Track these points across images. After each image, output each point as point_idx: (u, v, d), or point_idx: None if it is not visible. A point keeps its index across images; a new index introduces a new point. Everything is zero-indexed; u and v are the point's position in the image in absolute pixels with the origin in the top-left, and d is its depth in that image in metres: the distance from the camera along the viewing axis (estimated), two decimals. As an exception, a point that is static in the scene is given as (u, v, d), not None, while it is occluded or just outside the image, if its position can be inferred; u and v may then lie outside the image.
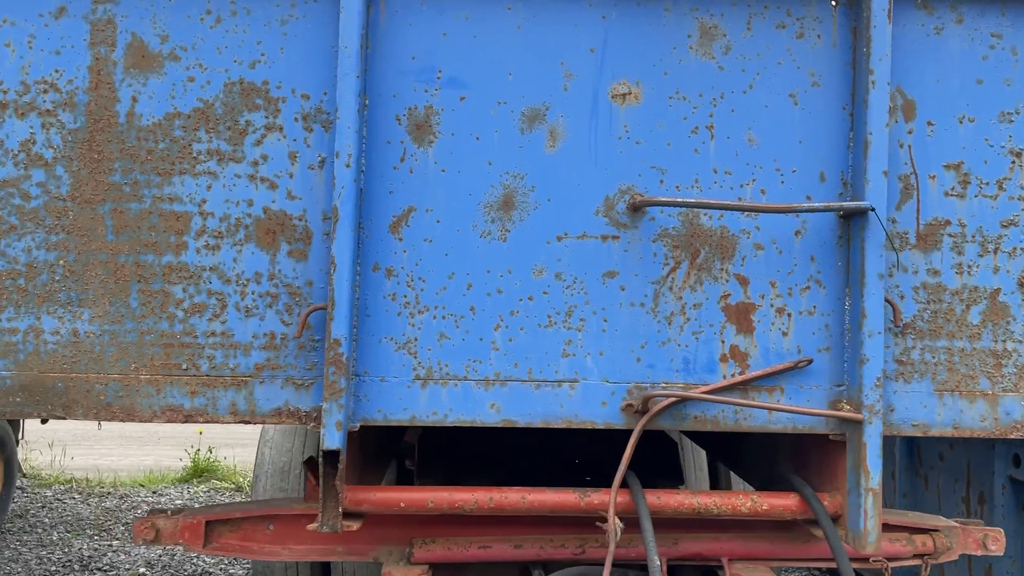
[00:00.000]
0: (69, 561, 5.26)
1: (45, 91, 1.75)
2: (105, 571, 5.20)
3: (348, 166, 1.72)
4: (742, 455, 2.69)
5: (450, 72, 1.82)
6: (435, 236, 1.82)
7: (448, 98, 1.82)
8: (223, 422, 1.79)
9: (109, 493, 7.04)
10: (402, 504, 1.87)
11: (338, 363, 1.71)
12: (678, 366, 1.84)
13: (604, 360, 1.83)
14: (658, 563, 1.72)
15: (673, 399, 1.77)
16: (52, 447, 7.79)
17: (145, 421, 1.78)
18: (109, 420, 1.78)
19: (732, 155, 1.84)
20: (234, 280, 1.79)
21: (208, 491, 7.41)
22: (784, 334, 1.85)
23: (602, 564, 1.96)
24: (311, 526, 1.81)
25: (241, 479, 7.58)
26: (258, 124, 1.79)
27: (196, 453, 7.92)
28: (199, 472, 7.81)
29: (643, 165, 1.83)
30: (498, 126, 1.82)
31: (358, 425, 1.79)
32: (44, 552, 5.38)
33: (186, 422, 1.79)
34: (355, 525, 1.82)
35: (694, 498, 1.89)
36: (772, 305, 1.85)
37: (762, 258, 1.85)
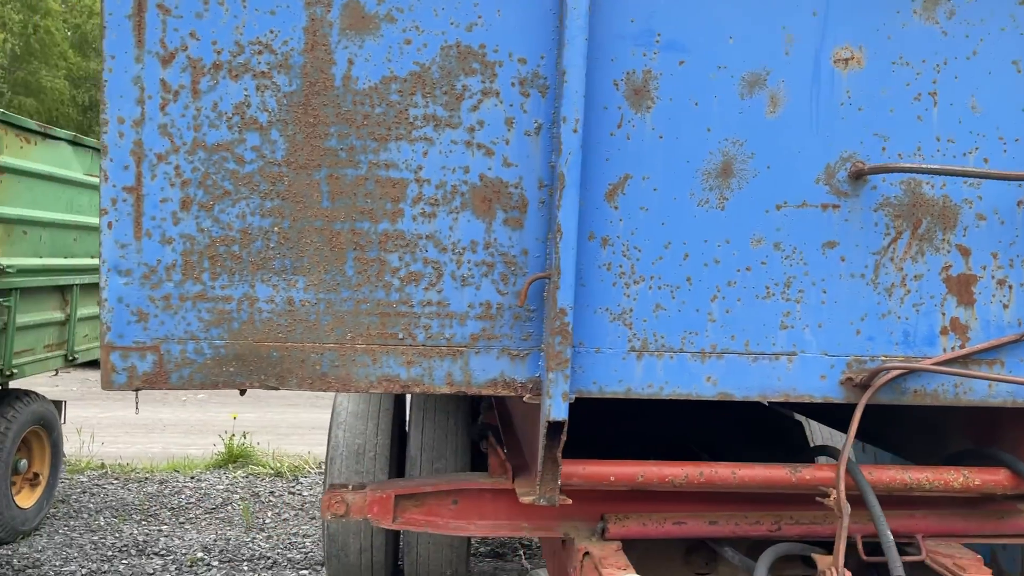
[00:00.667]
0: (124, 546, 5.23)
1: (260, 52, 1.70)
2: (163, 555, 5.18)
3: (575, 131, 1.67)
4: (888, 433, 2.66)
5: (669, 35, 1.76)
6: (651, 205, 1.77)
7: (666, 62, 1.76)
8: (438, 392, 1.75)
9: (146, 479, 7.01)
10: (612, 478, 1.83)
11: (564, 333, 1.67)
12: (898, 339, 1.80)
13: (823, 333, 1.79)
14: (891, 538, 1.69)
15: (903, 370, 1.74)
16: (80, 433, 7.75)
17: (361, 391, 1.74)
18: (324, 390, 1.74)
19: (955, 123, 1.79)
20: (450, 249, 1.75)
21: (247, 476, 7.34)
22: (1005, 306, 1.81)
23: (798, 541, 1.93)
24: (527, 499, 1.78)
25: (278, 463, 7.50)
26: (474, 89, 1.74)
27: (230, 439, 7.82)
28: (234, 458, 7.73)
29: (865, 132, 1.78)
30: (717, 91, 1.77)
31: (573, 397, 1.75)
32: (96, 537, 5.35)
33: (403, 392, 1.75)
34: (569, 500, 1.79)
35: (905, 473, 1.85)
36: (993, 277, 1.81)
37: (984, 228, 1.80)
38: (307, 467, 7.39)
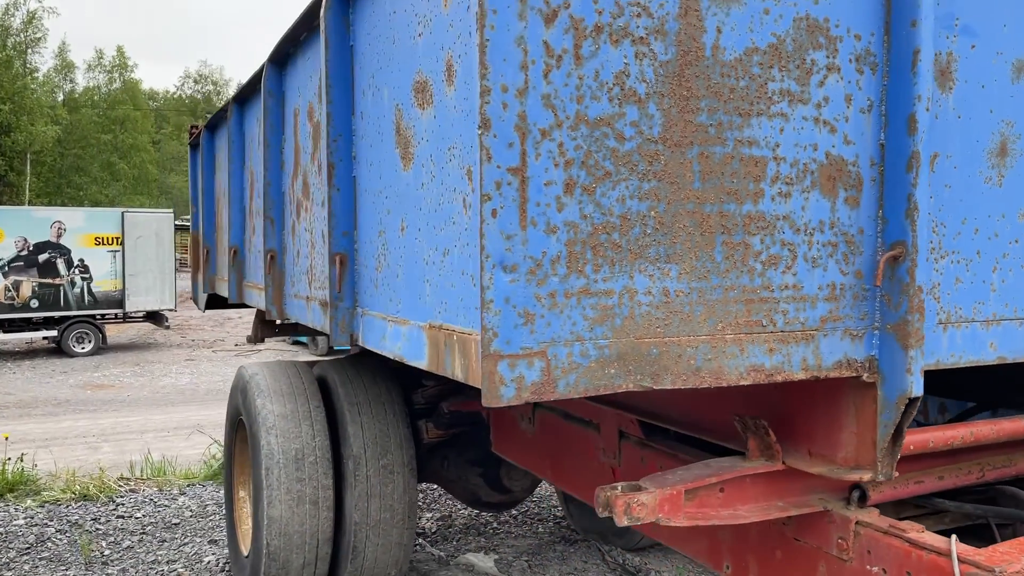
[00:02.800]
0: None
1: (638, 15, 1.51)
2: None
3: (927, 110, 1.70)
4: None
5: (965, 20, 1.84)
6: (953, 182, 1.85)
7: (963, 46, 1.85)
8: (794, 378, 1.70)
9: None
10: (932, 443, 1.92)
11: (921, 310, 1.71)
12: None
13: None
14: None
15: None
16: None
17: (731, 383, 1.64)
18: (696, 385, 1.61)
19: None
20: (802, 229, 1.70)
21: (44, 505, 6.21)
22: None
23: None
24: (866, 477, 1.80)
25: (77, 486, 6.37)
26: (820, 64, 1.69)
27: (3, 465, 6.43)
28: (10, 486, 6.40)
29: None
30: (996, 75, 1.89)
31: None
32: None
33: (766, 381, 1.68)
34: (896, 473, 1.84)
35: None
36: None
37: None
38: (114, 485, 6.48)
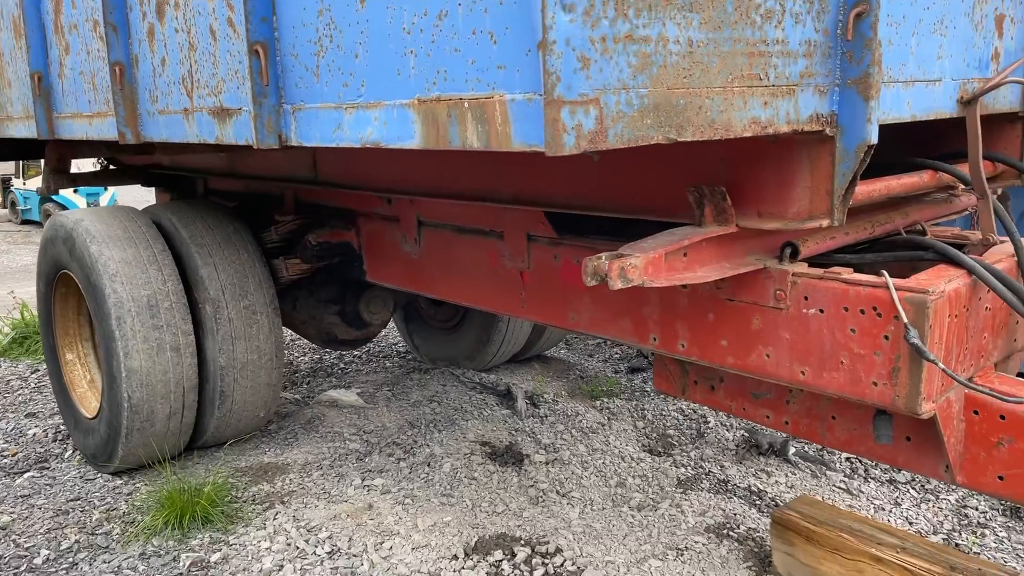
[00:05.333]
0: None
1: None
2: None
3: None
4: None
5: None
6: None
7: None
8: (781, 131, 1.81)
9: None
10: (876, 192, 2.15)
11: (880, 64, 1.87)
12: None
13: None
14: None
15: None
16: None
17: (735, 135, 1.71)
18: (710, 138, 1.66)
19: None
20: (788, -16, 1.76)
21: None
22: None
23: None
24: (824, 223, 1.99)
25: None
26: None
27: None
28: None
29: None
30: None
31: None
32: None
33: (761, 133, 1.77)
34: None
35: (907, 179, 2.46)
36: None
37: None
38: None
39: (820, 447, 4.14)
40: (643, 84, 1.51)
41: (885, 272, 2.10)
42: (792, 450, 4.14)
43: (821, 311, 2.20)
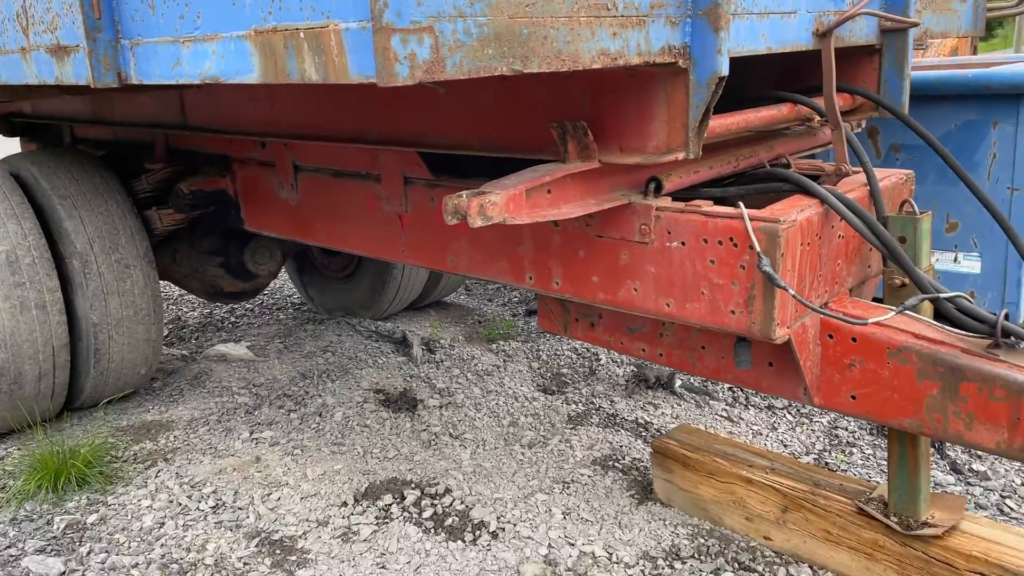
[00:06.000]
0: None
1: None
2: None
3: None
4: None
5: None
6: None
7: None
8: (632, 63, 1.80)
9: None
10: (732, 125, 2.18)
11: (729, -5, 1.88)
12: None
13: None
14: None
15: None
16: None
17: (584, 67, 1.70)
18: (558, 69, 1.64)
19: None
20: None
21: None
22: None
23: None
24: (680, 156, 2.01)
25: None
26: None
27: None
28: None
29: None
30: None
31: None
32: None
33: (612, 65, 1.76)
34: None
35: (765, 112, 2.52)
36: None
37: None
38: None
39: (705, 379, 4.29)
40: (482, 12, 1.47)
41: (741, 203, 2.16)
42: (679, 383, 4.28)
43: (683, 244, 2.24)
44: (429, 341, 4.95)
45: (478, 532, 2.96)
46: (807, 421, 3.90)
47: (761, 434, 3.79)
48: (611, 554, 2.80)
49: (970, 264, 4.20)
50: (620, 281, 2.41)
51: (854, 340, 2.32)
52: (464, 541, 2.91)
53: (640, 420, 3.93)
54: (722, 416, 3.96)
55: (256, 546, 2.90)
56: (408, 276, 5.23)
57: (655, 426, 3.84)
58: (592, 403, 4.13)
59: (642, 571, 2.71)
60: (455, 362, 4.64)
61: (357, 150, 3.04)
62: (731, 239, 2.15)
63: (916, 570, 2.51)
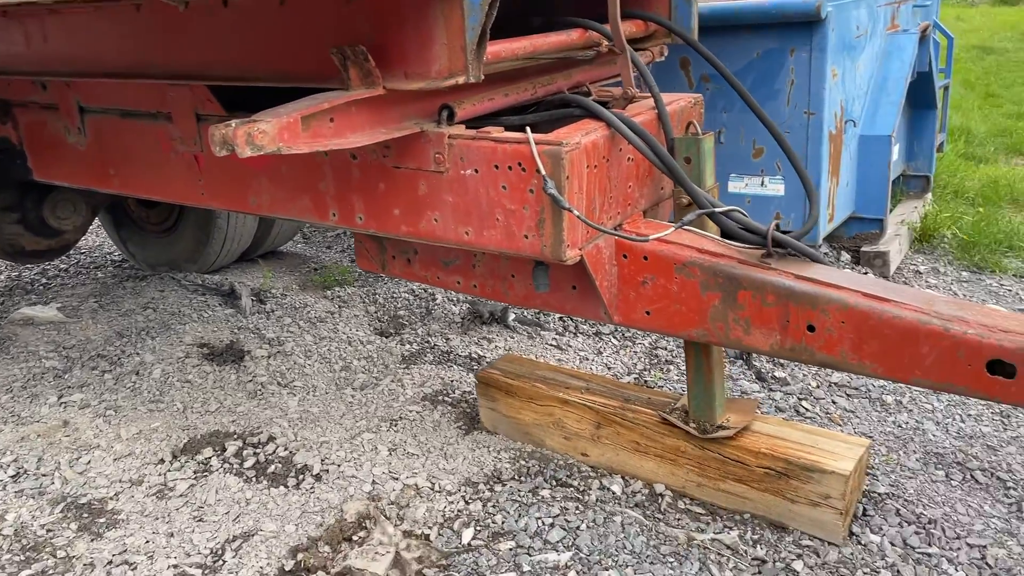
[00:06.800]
0: None
1: None
2: None
3: None
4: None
5: None
6: None
7: None
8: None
9: None
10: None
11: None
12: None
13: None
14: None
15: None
16: None
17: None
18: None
19: None
20: None
21: None
22: None
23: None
24: (461, 80, 2.00)
25: None
26: None
27: None
28: None
29: None
30: None
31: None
32: None
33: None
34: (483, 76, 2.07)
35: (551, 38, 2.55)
36: None
37: None
38: None
39: (537, 311, 4.38)
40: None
41: (528, 128, 2.17)
42: (512, 316, 4.35)
43: (476, 171, 2.25)
44: (260, 291, 4.79)
45: (301, 476, 2.92)
46: (631, 344, 4.07)
47: (588, 359, 3.93)
48: (434, 484, 2.84)
49: (775, 187, 4.47)
50: (421, 212, 2.39)
51: (645, 259, 2.42)
52: (287, 486, 2.87)
53: (474, 355, 3.98)
54: (552, 345, 4.07)
55: (61, 511, 2.75)
56: (235, 225, 5.02)
57: (488, 360, 3.90)
58: (428, 342, 4.14)
59: (463, 497, 2.76)
60: (287, 311, 4.52)
61: (144, 87, 2.84)
62: (519, 164, 2.17)
63: (714, 470, 2.69)
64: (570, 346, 4.07)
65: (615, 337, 4.15)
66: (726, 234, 2.40)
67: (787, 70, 4.25)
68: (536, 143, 2.12)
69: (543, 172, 2.10)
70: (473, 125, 2.35)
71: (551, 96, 2.64)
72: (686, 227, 2.43)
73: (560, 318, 4.35)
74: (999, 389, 1.97)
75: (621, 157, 2.40)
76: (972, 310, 2.03)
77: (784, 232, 2.31)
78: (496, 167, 2.21)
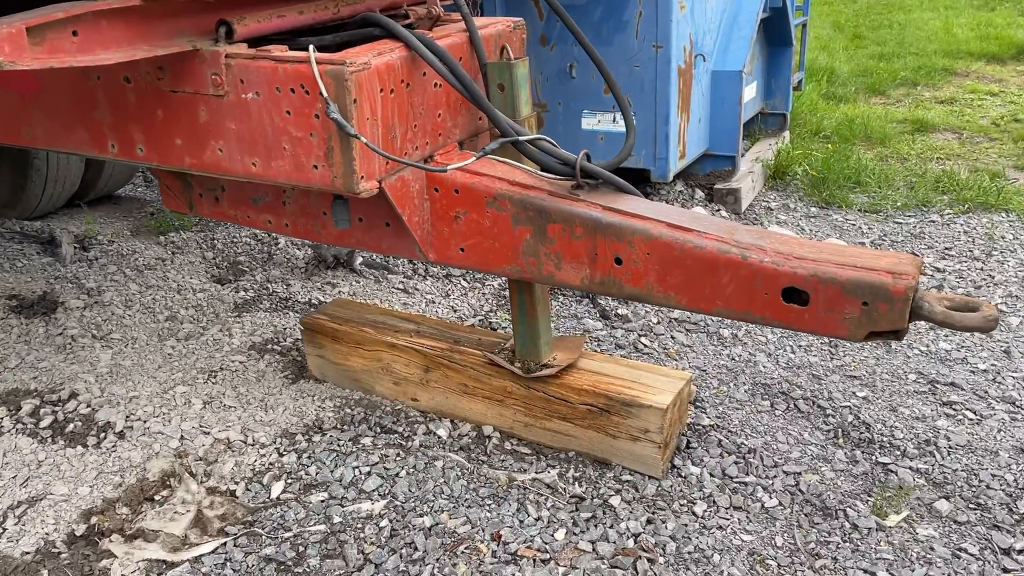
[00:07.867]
0: None
1: None
2: None
3: None
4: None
5: None
6: None
7: None
8: None
9: None
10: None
11: None
12: None
13: None
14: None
15: None
16: None
17: None
18: None
19: None
20: None
21: None
22: None
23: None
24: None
25: None
26: None
27: None
28: None
29: None
30: None
31: None
32: None
33: None
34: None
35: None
36: None
37: None
38: None
39: (383, 255, 4.20)
40: None
41: (312, 46, 1.97)
42: (359, 260, 4.16)
43: (258, 94, 2.04)
44: (84, 238, 4.41)
45: (103, 435, 2.69)
46: (479, 286, 3.96)
47: (435, 302, 3.80)
48: (247, 437, 2.67)
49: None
50: (204, 142, 2.17)
51: (457, 192, 2.28)
52: (85, 446, 2.64)
53: (314, 301, 3.78)
54: (399, 289, 3.92)
55: None
56: (57, 168, 4.58)
57: (326, 305, 3.72)
58: (266, 288, 3.91)
59: (276, 449, 2.61)
60: (112, 259, 4.18)
61: None
62: (303, 86, 1.97)
63: (540, 409, 2.62)
64: (417, 289, 3.92)
65: (464, 280, 4.03)
66: (543, 166, 2.28)
67: (635, 2, 4.14)
68: (318, 63, 1.93)
69: (325, 95, 1.91)
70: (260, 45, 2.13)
71: (355, 16, 2.44)
72: (503, 160, 2.31)
73: (410, 262, 4.19)
74: (794, 317, 1.94)
75: (426, 82, 2.23)
76: (770, 238, 2.00)
77: (598, 164, 2.21)
78: (278, 90, 2.01)
